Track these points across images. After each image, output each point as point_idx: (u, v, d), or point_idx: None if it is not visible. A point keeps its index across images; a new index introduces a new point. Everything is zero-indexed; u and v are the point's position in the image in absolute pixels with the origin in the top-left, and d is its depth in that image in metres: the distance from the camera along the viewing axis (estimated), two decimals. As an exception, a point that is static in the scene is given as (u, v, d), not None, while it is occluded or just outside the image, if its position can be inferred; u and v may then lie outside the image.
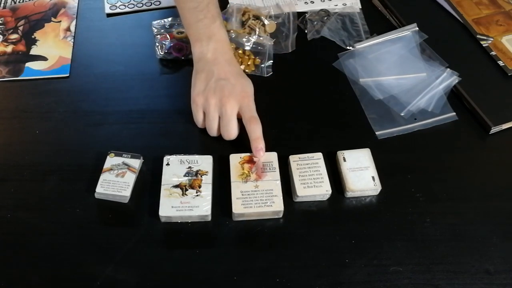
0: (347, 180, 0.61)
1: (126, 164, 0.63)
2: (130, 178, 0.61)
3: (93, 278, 0.55)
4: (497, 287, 0.55)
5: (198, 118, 0.66)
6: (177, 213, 0.58)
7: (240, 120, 0.65)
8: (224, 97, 0.64)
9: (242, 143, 0.67)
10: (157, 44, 0.78)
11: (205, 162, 0.63)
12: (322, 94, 0.74)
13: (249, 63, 0.76)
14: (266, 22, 0.81)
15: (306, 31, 0.81)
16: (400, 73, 0.75)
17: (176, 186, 0.60)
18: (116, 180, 0.61)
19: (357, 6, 0.86)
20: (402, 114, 0.70)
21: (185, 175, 0.61)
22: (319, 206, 0.61)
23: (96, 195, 0.61)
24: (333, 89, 0.74)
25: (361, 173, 0.62)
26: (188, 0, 0.69)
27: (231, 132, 0.65)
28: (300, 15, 0.84)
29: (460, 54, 0.77)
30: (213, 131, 0.66)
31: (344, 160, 0.63)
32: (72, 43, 0.80)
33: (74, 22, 0.84)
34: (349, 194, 0.61)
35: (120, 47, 0.80)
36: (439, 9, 0.84)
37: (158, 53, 0.77)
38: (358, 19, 0.83)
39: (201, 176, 0.61)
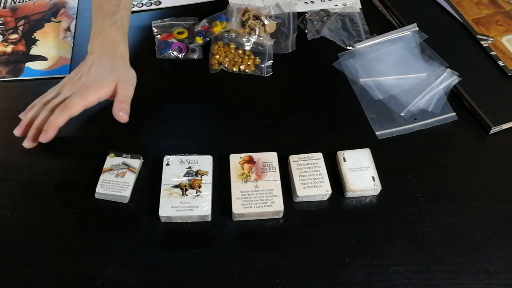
0: (347, 180, 0.61)
1: (126, 164, 0.63)
2: (130, 178, 0.61)
3: (93, 278, 0.55)
4: (497, 287, 0.55)
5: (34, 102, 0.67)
6: (177, 213, 0.58)
7: None
8: (62, 94, 0.66)
9: (242, 143, 0.67)
10: (157, 44, 0.78)
11: (205, 162, 0.63)
12: (322, 94, 0.73)
13: (249, 63, 0.76)
14: (266, 22, 0.81)
15: (306, 31, 0.81)
16: (400, 73, 0.75)
17: (176, 186, 0.60)
18: (116, 180, 0.61)
19: (357, 6, 0.86)
20: (402, 114, 0.70)
21: (185, 175, 0.61)
22: (319, 206, 0.61)
23: (96, 195, 0.61)
24: (333, 89, 0.74)
25: (361, 173, 0.62)
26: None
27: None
28: (300, 15, 0.84)
29: (460, 54, 0.77)
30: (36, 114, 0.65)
31: (344, 160, 0.63)
32: (72, 43, 0.80)
33: (74, 22, 0.84)
34: (349, 194, 0.61)
35: (120, 47, 0.80)
36: (439, 9, 0.84)
37: (158, 53, 0.77)
38: (358, 19, 0.83)
39: (201, 176, 0.61)
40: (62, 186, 0.63)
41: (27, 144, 0.64)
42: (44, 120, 0.63)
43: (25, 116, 0.66)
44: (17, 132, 0.65)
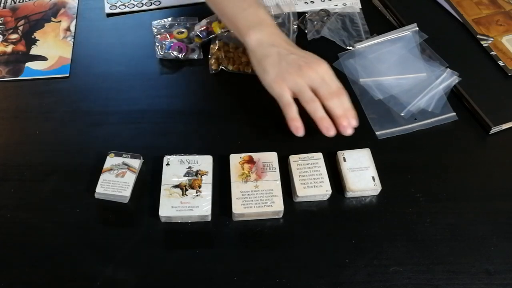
0: (347, 180, 0.61)
1: (126, 164, 0.63)
2: (130, 178, 0.61)
3: (93, 278, 0.55)
4: (497, 287, 0.55)
5: (286, 99, 0.62)
6: (177, 213, 0.58)
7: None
8: (304, 68, 0.62)
9: (242, 143, 0.67)
10: (157, 44, 0.78)
11: (205, 162, 0.63)
12: (322, 94, 0.73)
13: (249, 63, 0.76)
14: (266, 22, 0.81)
15: (306, 31, 0.81)
16: (400, 73, 0.75)
17: (176, 186, 0.60)
18: (116, 180, 0.61)
19: (357, 6, 0.86)
20: (402, 114, 0.70)
21: (185, 175, 0.61)
22: (319, 206, 0.61)
23: (96, 195, 0.61)
24: (333, 89, 0.74)
25: (361, 173, 0.62)
26: None
27: (345, 103, 0.63)
28: (300, 15, 0.84)
29: (460, 54, 0.77)
30: (319, 109, 0.62)
31: (344, 160, 0.63)
32: (72, 43, 0.80)
33: (74, 22, 0.84)
34: (349, 194, 0.61)
35: (120, 47, 0.80)
36: (439, 9, 0.84)
37: (158, 53, 0.77)
38: (358, 19, 0.83)
39: (201, 176, 0.61)
40: (62, 186, 0.63)
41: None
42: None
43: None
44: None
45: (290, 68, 0.63)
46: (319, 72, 0.64)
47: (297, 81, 0.62)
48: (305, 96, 0.62)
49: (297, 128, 0.62)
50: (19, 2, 0.87)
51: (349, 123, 0.62)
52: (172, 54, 0.76)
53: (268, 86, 0.64)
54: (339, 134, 0.68)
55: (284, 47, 0.65)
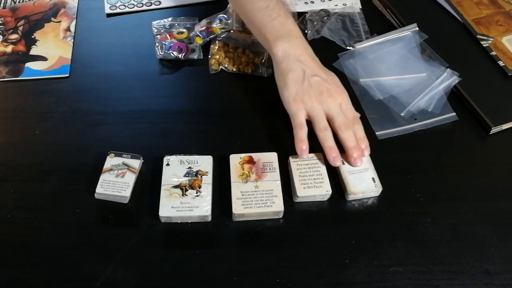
0: (348, 183, 0.61)
1: (126, 165, 0.63)
2: (130, 179, 0.61)
3: (93, 278, 0.55)
4: (497, 287, 0.55)
5: (300, 120, 0.63)
6: (177, 214, 0.58)
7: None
8: (325, 94, 0.63)
9: (241, 143, 0.67)
10: (157, 44, 0.78)
11: (205, 162, 0.63)
12: (322, 94, 0.73)
13: (249, 63, 0.76)
14: (266, 22, 0.81)
15: (306, 31, 0.81)
16: (400, 73, 0.75)
17: (176, 187, 0.60)
18: (116, 181, 0.61)
19: (357, 6, 0.86)
20: (402, 114, 0.70)
21: (185, 176, 0.61)
22: (319, 207, 0.61)
23: (96, 196, 0.61)
24: (333, 89, 0.74)
25: (360, 175, 0.62)
26: (257, 0, 0.67)
27: (359, 132, 0.63)
28: (300, 15, 0.84)
29: (460, 54, 0.77)
30: (329, 139, 0.62)
31: (343, 162, 0.63)
32: (72, 43, 0.80)
33: (74, 22, 0.84)
34: (351, 197, 0.61)
35: (120, 47, 0.80)
36: (439, 9, 0.84)
37: (158, 53, 0.77)
38: (358, 19, 0.83)
39: (201, 177, 0.61)
40: (62, 186, 0.63)
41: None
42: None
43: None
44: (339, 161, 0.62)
45: (311, 91, 0.63)
46: (338, 101, 0.64)
47: (315, 106, 0.63)
48: (320, 123, 0.63)
49: (302, 151, 0.62)
50: (19, 2, 0.87)
51: (359, 155, 0.62)
52: (172, 54, 0.76)
53: (286, 102, 0.65)
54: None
55: (310, 65, 0.65)
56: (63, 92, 0.73)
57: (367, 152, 0.63)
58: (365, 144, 0.63)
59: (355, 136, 0.63)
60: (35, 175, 0.64)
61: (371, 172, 0.62)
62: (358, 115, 0.65)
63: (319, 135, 0.63)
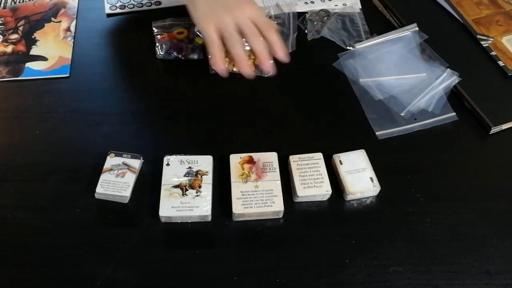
0: (346, 183, 0.61)
1: (126, 164, 0.63)
2: (130, 178, 0.61)
3: (93, 278, 0.55)
4: (497, 287, 0.55)
5: (210, 36, 0.63)
6: (177, 213, 0.58)
7: None
8: (232, 7, 0.63)
9: (241, 143, 0.67)
10: (157, 44, 0.78)
11: (205, 162, 0.63)
12: (322, 94, 0.74)
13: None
14: (266, 22, 0.81)
15: (306, 31, 0.81)
16: (400, 73, 0.75)
17: (176, 186, 0.60)
18: (116, 180, 0.61)
19: (357, 6, 0.86)
20: (402, 114, 0.70)
21: (185, 175, 0.61)
22: (319, 206, 0.61)
23: (96, 195, 0.61)
24: (333, 89, 0.74)
25: (358, 175, 0.62)
26: None
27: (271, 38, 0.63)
28: (300, 15, 0.84)
29: (460, 54, 0.77)
30: (237, 46, 0.63)
31: (341, 163, 0.63)
32: (72, 43, 0.80)
33: (74, 22, 0.84)
34: (349, 197, 0.61)
35: (120, 47, 0.80)
36: (439, 9, 0.84)
37: (158, 53, 0.77)
38: (358, 19, 0.83)
39: (201, 176, 0.61)
40: (62, 186, 0.63)
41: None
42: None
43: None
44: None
45: (218, 6, 0.64)
46: (247, 12, 0.64)
47: (224, 19, 0.63)
48: (228, 34, 0.63)
49: (216, 64, 0.63)
50: (19, 2, 0.87)
51: (269, 61, 0.62)
52: (172, 55, 0.76)
53: (196, 21, 0.66)
54: (339, 133, 0.68)
55: None
56: (63, 92, 0.73)
57: (280, 52, 0.63)
58: (278, 47, 0.63)
59: (269, 42, 0.63)
60: (35, 175, 0.64)
61: (369, 172, 0.62)
62: (272, 22, 0.65)
63: (228, 45, 0.63)
